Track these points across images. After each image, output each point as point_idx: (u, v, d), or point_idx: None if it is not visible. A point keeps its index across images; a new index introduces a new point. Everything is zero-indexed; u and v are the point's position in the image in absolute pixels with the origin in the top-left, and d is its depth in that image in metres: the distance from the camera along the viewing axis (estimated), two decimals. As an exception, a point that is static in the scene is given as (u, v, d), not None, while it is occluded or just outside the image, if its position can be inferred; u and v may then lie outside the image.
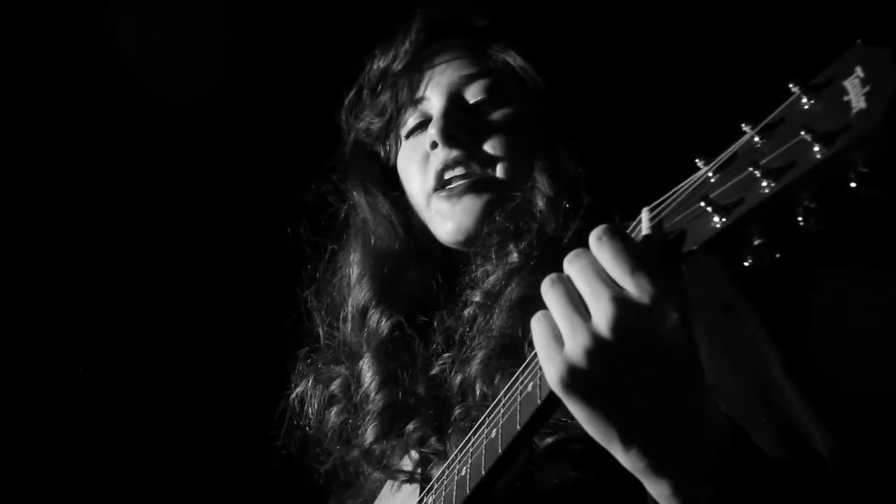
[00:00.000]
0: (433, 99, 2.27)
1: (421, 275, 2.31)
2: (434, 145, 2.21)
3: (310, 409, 2.40)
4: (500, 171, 2.18)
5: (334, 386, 2.36)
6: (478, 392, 2.04)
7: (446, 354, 2.17)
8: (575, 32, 2.42)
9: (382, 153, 2.42)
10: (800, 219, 1.20)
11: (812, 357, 1.88)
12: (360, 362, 2.30)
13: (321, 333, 2.44)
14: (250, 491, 3.20)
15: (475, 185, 2.18)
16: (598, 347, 1.35)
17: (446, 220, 2.22)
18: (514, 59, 2.25)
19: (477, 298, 2.14)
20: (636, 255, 1.35)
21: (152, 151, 3.44)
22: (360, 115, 2.42)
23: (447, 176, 2.20)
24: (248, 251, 3.30)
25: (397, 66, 2.32)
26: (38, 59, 3.33)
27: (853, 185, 1.14)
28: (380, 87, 2.37)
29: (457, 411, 2.07)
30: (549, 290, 1.42)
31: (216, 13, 3.41)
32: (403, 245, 2.33)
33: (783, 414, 1.78)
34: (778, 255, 1.25)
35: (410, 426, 2.17)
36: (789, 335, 1.87)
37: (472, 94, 2.25)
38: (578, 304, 1.38)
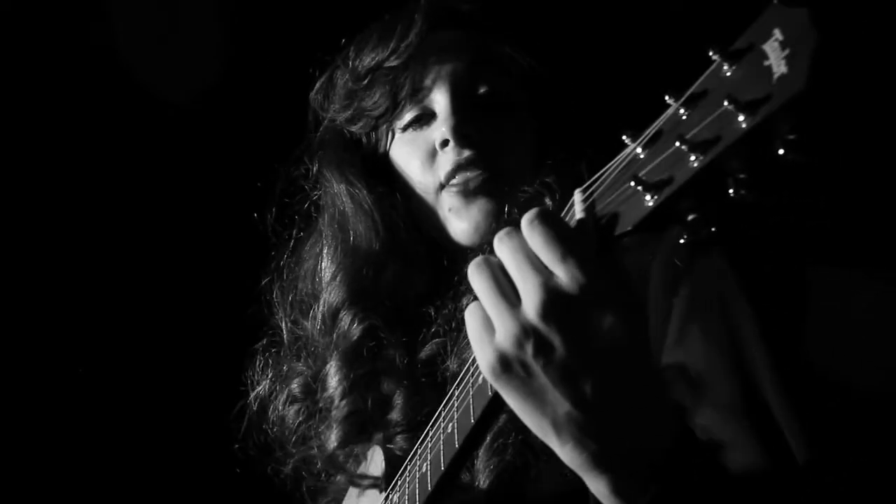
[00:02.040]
0: (436, 93, 2.21)
1: (400, 276, 2.24)
2: (445, 144, 2.17)
3: (271, 410, 2.35)
4: (510, 170, 2.16)
5: (295, 385, 2.31)
6: None
7: (437, 340, 2.14)
8: (575, 23, 2.38)
9: (366, 143, 2.35)
10: (731, 190, 1.15)
11: (802, 361, 1.84)
12: (327, 366, 2.25)
13: (284, 328, 2.38)
14: (212, 492, 3.17)
15: (489, 182, 2.15)
16: (526, 335, 1.30)
17: (462, 219, 2.17)
18: (515, 52, 2.21)
19: None
20: (567, 240, 1.29)
21: (152, 151, 3.43)
22: (342, 103, 2.34)
23: (459, 176, 2.16)
24: (238, 244, 3.27)
25: (396, 61, 2.23)
26: (38, 58, 3.34)
27: (781, 151, 1.09)
28: (371, 78, 2.28)
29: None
30: (475, 275, 1.37)
31: (216, 13, 3.40)
32: (384, 245, 2.25)
33: (763, 411, 1.72)
34: (713, 230, 1.20)
35: (392, 414, 2.15)
36: (781, 336, 1.82)
37: (477, 88, 2.21)
38: (507, 290, 1.34)
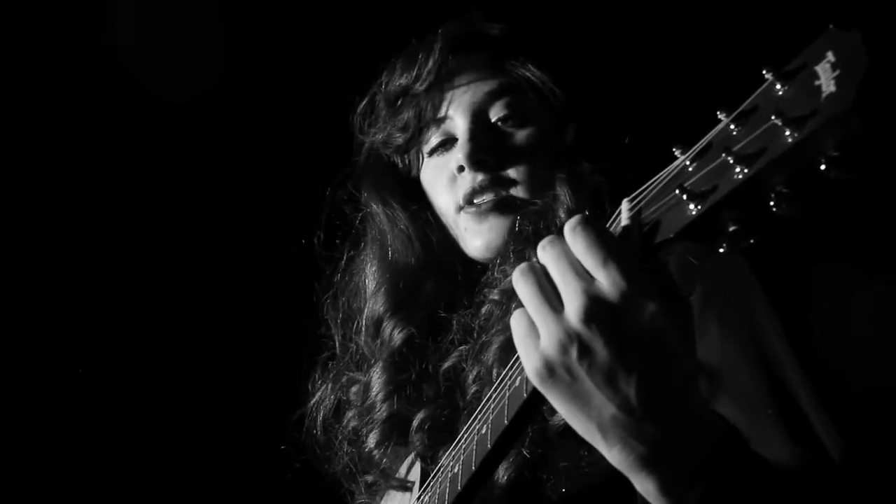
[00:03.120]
0: (457, 119, 2.29)
1: (437, 287, 2.36)
2: (461, 169, 2.24)
3: (326, 414, 2.45)
4: (524, 191, 2.22)
5: (351, 392, 2.42)
6: (494, 378, 2.05)
7: (462, 347, 2.21)
8: (592, 44, 2.42)
9: (401, 165, 2.45)
10: (772, 203, 1.19)
11: (816, 355, 1.87)
12: (370, 373, 2.35)
13: (337, 341, 2.49)
14: (266, 495, 3.22)
15: (501, 204, 2.22)
16: (570, 340, 1.33)
17: (475, 237, 2.25)
18: (532, 74, 2.27)
19: (494, 296, 2.17)
20: (609, 246, 1.33)
21: (153, 152, 3.44)
22: (377, 126, 2.44)
23: (476, 200, 2.24)
24: (253, 252, 3.30)
25: (420, 87, 2.33)
26: (39, 58, 3.34)
27: (824, 168, 1.13)
28: (400, 103, 2.39)
29: (472, 389, 2.11)
30: (520, 281, 1.40)
31: (216, 13, 3.41)
32: (420, 260, 2.37)
33: (793, 407, 1.75)
34: (752, 241, 1.24)
35: (417, 420, 2.22)
36: (797, 331, 1.85)
37: (495, 113, 2.27)
38: (551, 296, 1.37)
